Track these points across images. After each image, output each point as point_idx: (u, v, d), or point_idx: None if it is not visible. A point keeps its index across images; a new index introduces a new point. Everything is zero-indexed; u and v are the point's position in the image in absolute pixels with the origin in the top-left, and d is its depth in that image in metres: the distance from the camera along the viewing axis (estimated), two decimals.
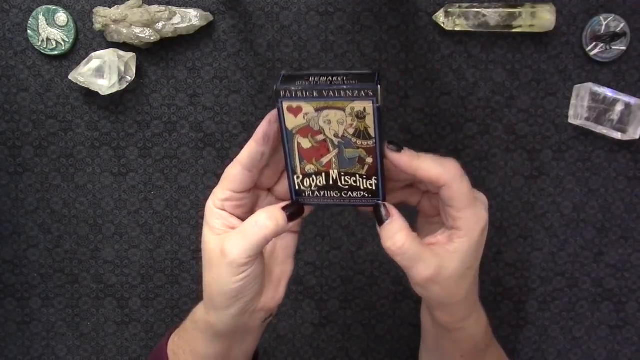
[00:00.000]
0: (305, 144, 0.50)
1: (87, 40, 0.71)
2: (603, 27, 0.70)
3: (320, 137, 0.50)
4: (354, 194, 0.52)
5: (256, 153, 0.51)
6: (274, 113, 0.50)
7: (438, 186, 0.49)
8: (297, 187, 0.52)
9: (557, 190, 0.72)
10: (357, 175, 0.51)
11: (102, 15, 0.69)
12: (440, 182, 0.48)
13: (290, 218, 0.51)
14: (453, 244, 0.49)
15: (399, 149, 0.49)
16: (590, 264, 0.73)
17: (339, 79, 0.48)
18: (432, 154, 0.50)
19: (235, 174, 0.51)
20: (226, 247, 0.50)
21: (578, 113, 0.70)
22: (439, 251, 0.49)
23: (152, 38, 0.69)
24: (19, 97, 0.72)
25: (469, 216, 0.48)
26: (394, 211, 0.51)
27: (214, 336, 0.54)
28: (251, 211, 0.54)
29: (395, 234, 0.49)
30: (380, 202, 0.52)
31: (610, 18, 0.70)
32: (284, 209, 0.51)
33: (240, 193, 0.52)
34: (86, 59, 0.70)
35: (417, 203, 0.55)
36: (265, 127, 0.50)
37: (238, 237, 0.50)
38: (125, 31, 0.69)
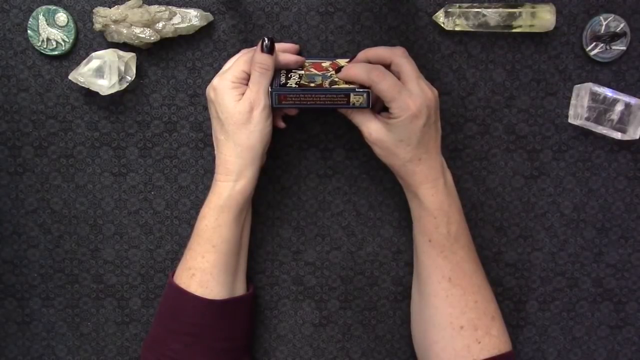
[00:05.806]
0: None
1: (87, 40, 0.71)
2: (603, 27, 0.70)
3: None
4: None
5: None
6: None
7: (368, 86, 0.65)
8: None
9: (557, 190, 0.72)
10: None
11: (102, 15, 0.69)
12: (367, 84, 0.64)
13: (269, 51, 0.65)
14: (387, 120, 0.64)
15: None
16: (590, 264, 0.73)
17: None
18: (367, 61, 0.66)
19: (244, 59, 0.65)
20: (253, 100, 0.64)
21: (578, 113, 0.70)
22: (380, 121, 0.65)
23: (152, 38, 0.69)
24: (19, 97, 0.72)
25: (395, 106, 0.63)
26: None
27: (241, 210, 0.66)
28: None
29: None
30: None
31: (610, 18, 0.70)
32: (262, 50, 0.65)
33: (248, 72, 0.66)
34: (86, 59, 0.70)
35: None
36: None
37: (255, 89, 0.64)
38: (125, 31, 0.69)
